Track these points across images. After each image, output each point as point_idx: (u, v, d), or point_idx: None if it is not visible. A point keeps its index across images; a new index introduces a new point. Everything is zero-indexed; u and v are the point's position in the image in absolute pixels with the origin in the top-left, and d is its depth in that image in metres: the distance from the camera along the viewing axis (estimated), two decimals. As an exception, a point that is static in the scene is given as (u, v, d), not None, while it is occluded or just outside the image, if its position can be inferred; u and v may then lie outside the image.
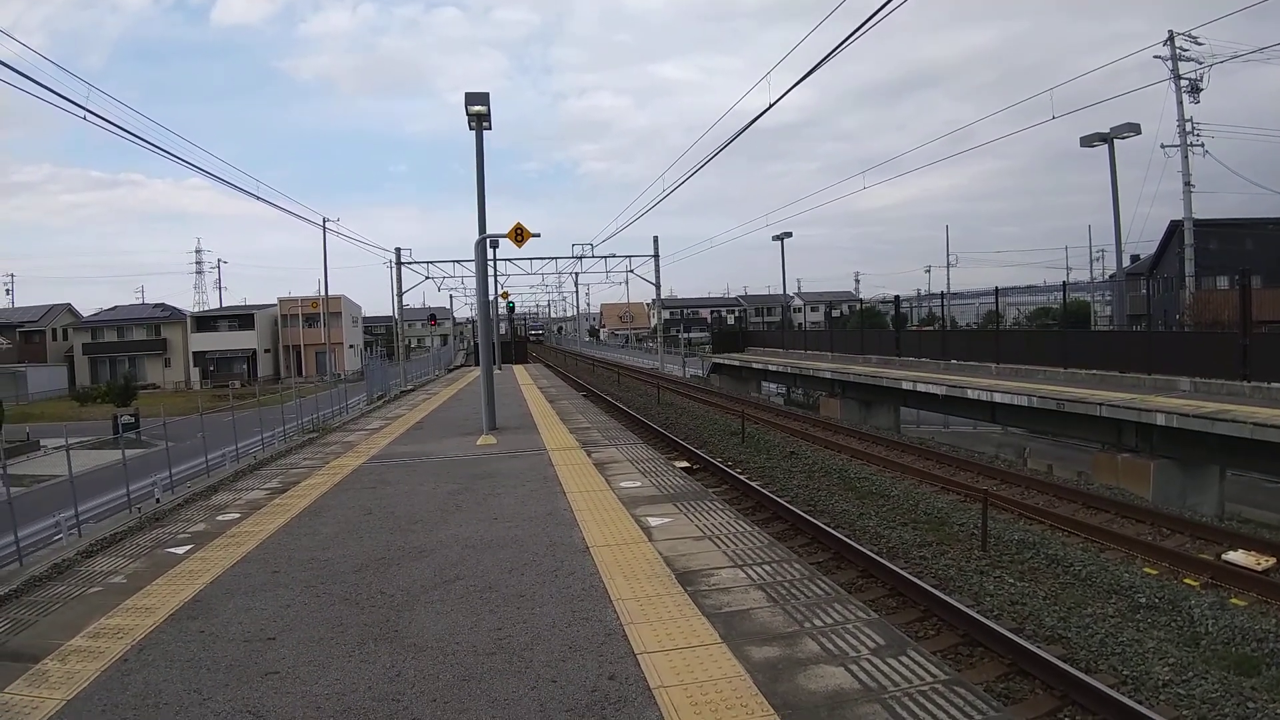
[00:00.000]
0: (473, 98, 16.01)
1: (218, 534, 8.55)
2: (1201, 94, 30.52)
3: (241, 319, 72.48)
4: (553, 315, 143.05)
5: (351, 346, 74.54)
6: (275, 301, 74.46)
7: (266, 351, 71.91)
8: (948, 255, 75.42)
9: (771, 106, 15.85)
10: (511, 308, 62.10)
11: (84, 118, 12.62)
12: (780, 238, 48.51)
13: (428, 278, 48.12)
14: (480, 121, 16.24)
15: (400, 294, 46.80)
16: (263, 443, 18.23)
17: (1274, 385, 15.41)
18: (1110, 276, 38.31)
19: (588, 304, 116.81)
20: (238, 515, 9.43)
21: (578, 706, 4.29)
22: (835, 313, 59.38)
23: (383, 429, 17.72)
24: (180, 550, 7.96)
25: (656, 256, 47.58)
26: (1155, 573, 10.10)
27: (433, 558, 7.19)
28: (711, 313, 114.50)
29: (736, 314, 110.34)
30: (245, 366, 69.08)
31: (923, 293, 70.38)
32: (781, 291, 64.68)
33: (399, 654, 5.06)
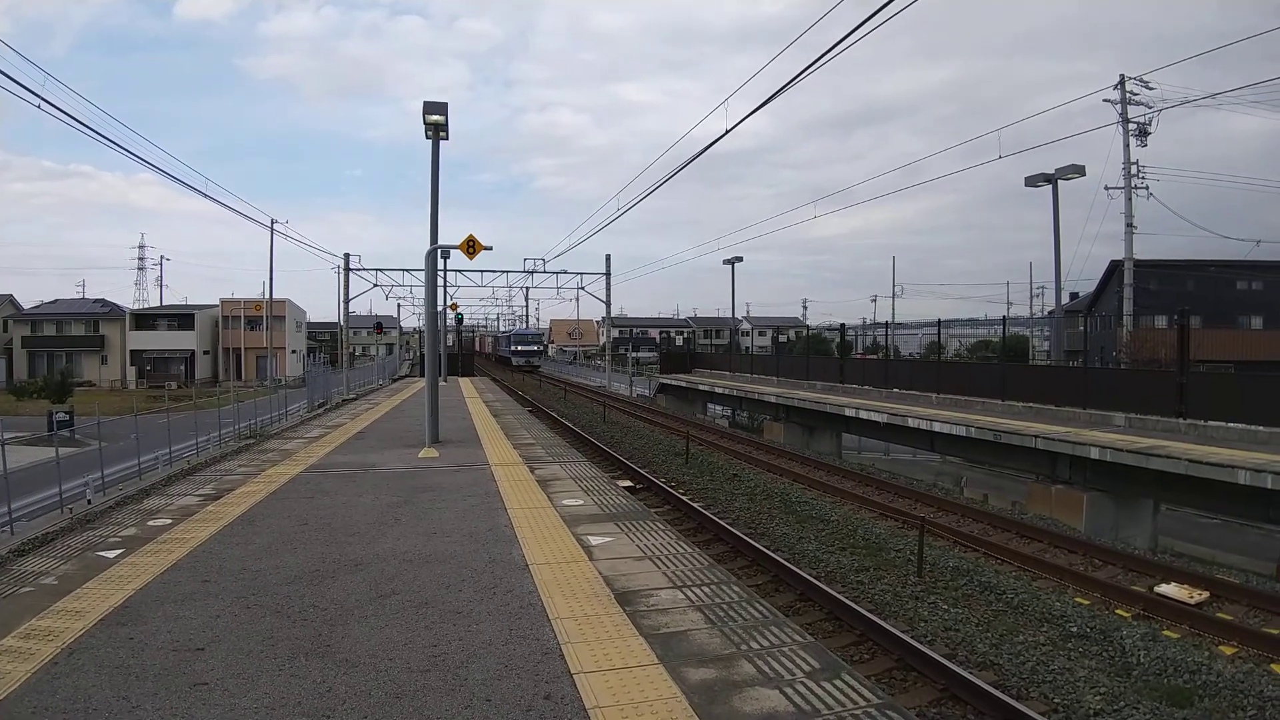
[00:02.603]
0: (431, 107, 15.92)
1: (149, 539, 8.32)
2: (1150, 138, 31.57)
3: (181, 318, 70.87)
4: (501, 329, 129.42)
5: (294, 352, 73.34)
6: (217, 302, 72.90)
7: (206, 353, 70.38)
8: (894, 286, 76.96)
9: (728, 132, 16.10)
10: (460, 319, 61.77)
11: (38, 106, 12.42)
12: (731, 261, 48.82)
13: (376, 285, 47.65)
14: (437, 131, 16.14)
15: (347, 300, 46.10)
16: (197, 447, 17.79)
17: (1211, 423, 15.93)
18: (1049, 312, 39.28)
19: (537, 319, 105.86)
20: (169, 521, 9.18)
21: (512, 726, 4.24)
22: (782, 338, 60.02)
23: (322, 438, 17.42)
24: (111, 554, 7.74)
25: (608, 275, 47.63)
26: (1087, 603, 10.33)
27: (368, 571, 7.07)
28: (660, 333, 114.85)
29: (685, 335, 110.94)
30: (183, 367, 67.53)
31: (868, 322, 71.37)
32: (730, 315, 65.07)
33: (330, 669, 4.96)
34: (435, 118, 15.93)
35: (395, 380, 51.27)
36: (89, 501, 11.57)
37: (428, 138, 16.24)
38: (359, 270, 45.59)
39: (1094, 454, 14.88)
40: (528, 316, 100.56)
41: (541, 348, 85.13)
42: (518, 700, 4.54)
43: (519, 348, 78.31)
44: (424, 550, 7.81)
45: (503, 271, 49.54)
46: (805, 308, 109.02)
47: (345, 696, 4.58)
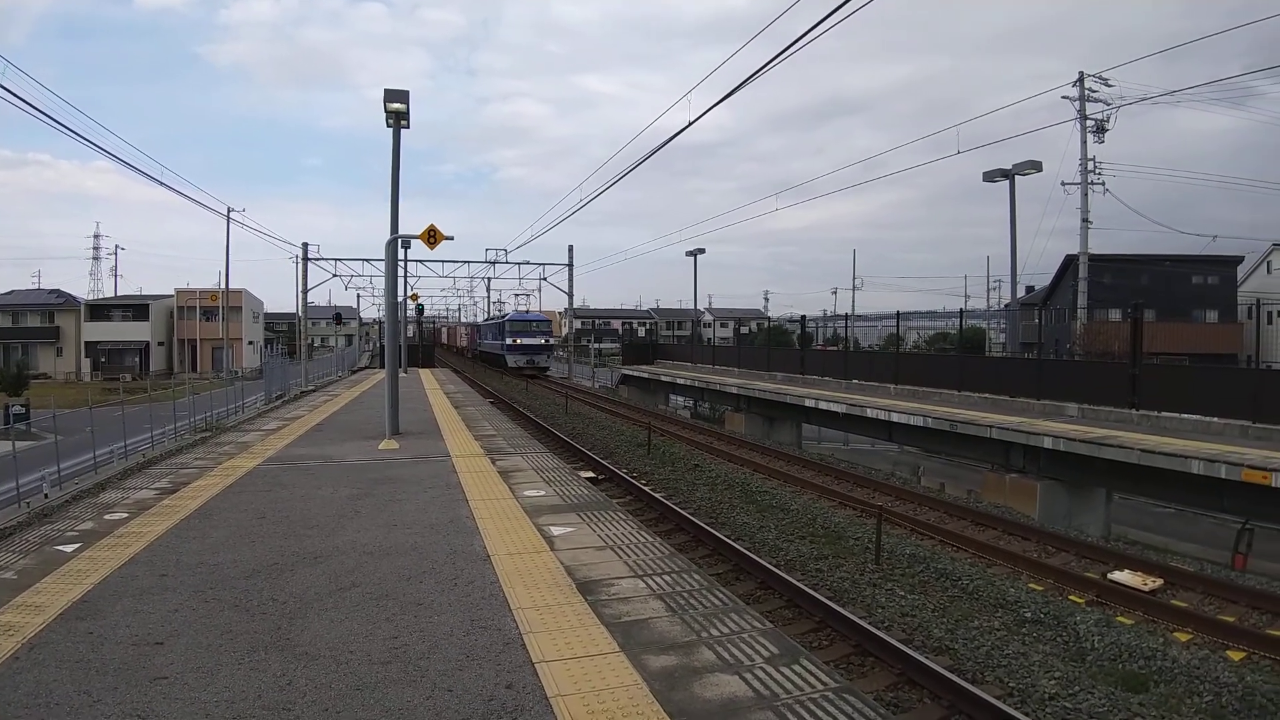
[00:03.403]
0: (392, 95, 15.74)
1: (106, 533, 8.20)
2: (1108, 134, 32.10)
3: (136, 309, 69.46)
4: (463, 320, 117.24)
5: (250, 343, 72.17)
6: (172, 292, 71.54)
7: (160, 344, 69.07)
8: (854, 278, 77.28)
9: (690, 124, 16.09)
10: (421, 310, 61.18)
11: (-1, 96, 12.21)
12: (694, 253, 48.91)
13: (335, 275, 47.41)
14: (399, 120, 15.97)
15: (305, 290, 45.64)
16: (153, 440, 17.50)
17: (1164, 415, 16.31)
18: (1006, 306, 39.92)
19: (499, 309, 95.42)
20: (126, 515, 9.04)
21: (474, 716, 4.25)
22: (744, 330, 60.47)
23: (280, 430, 17.21)
24: (69, 549, 7.62)
25: (571, 266, 47.64)
26: (1041, 589, 10.54)
27: (328, 564, 7.02)
28: (623, 324, 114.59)
29: (648, 327, 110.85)
30: (138, 359, 66.20)
31: (828, 313, 71.97)
32: (693, 306, 65.27)
33: (290, 662, 4.93)
34: (396, 105, 15.76)
35: (355, 372, 50.69)
36: (46, 496, 11.38)
37: (389, 126, 16.06)
38: (318, 260, 45.16)
39: (1047, 444, 15.17)
40: (489, 308, 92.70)
41: (550, 340, 56.46)
42: (479, 690, 4.55)
43: (519, 340, 52.19)
44: (384, 542, 7.78)
45: (464, 262, 49.31)
46: (767, 299, 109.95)
47: (306, 689, 4.56)
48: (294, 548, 7.58)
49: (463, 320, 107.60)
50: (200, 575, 6.72)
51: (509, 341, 52.45)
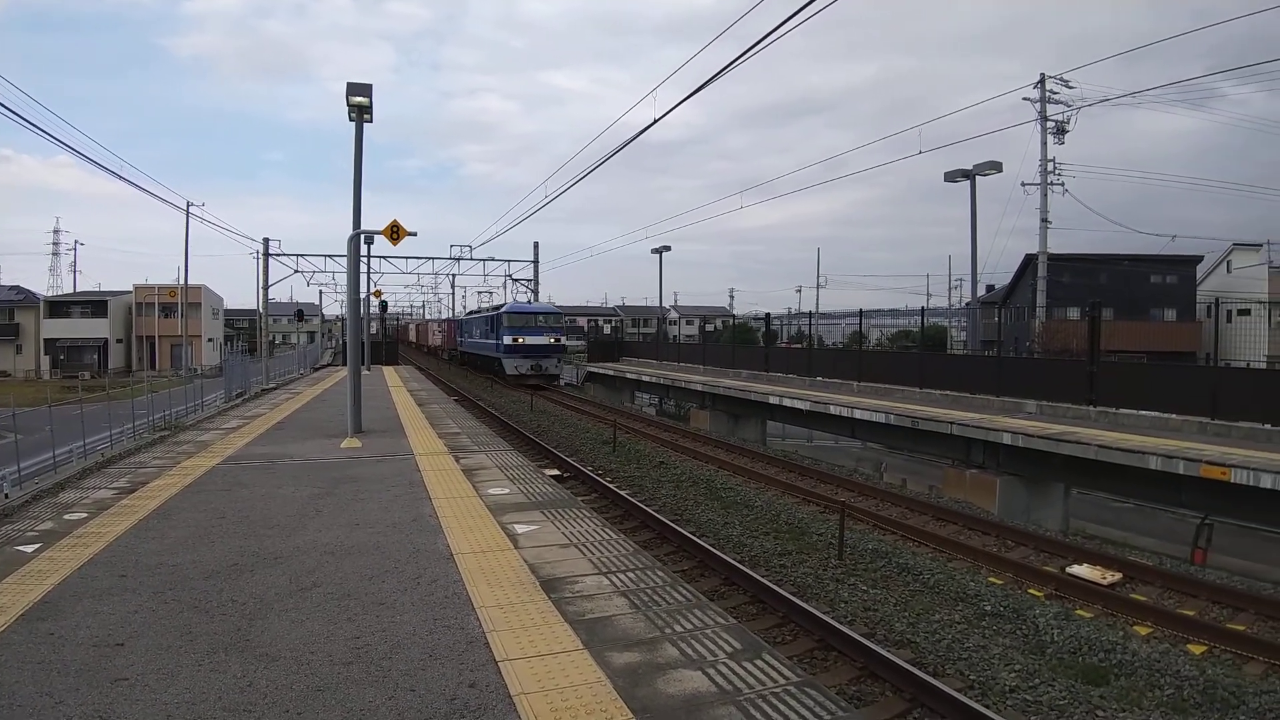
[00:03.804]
0: (354, 88, 15.55)
1: (66, 533, 8.06)
2: (1068, 135, 32.67)
3: (94, 306, 68.26)
4: (427, 316, 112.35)
5: (210, 340, 71.26)
6: (131, 289, 70.30)
7: (119, 341, 67.89)
8: (818, 276, 77.95)
9: (656, 122, 16.14)
10: (384, 306, 60.41)
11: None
12: (659, 251, 49.01)
13: (297, 271, 46.59)
14: (361, 113, 15.79)
15: (266, 286, 44.96)
16: (111, 439, 17.22)
17: (1122, 411, 16.63)
18: (967, 304, 40.46)
19: (464, 307, 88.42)
20: (85, 515, 8.89)
21: (436, 715, 4.24)
22: (709, 327, 60.66)
23: (240, 428, 16.99)
24: (29, 549, 7.49)
25: (536, 262, 47.36)
26: (1000, 582, 10.70)
27: (288, 564, 6.95)
28: (589, 321, 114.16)
29: (613, 324, 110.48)
30: (96, 356, 65.03)
31: (793, 311, 72.53)
32: (658, 304, 65.41)
33: (250, 663, 4.89)
34: (359, 99, 15.60)
35: (317, 369, 50.16)
36: (6, 496, 11.16)
37: (351, 119, 15.88)
38: (279, 255, 44.51)
39: (1006, 439, 15.40)
40: (454, 305, 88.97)
41: (563, 339, 43.91)
42: (442, 689, 4.54)
43: (521, 339, 40.79)
44: (346, 542, 7.71)
45: (429, 258, 48.88)
46: (732, 297, 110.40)
47: (266, 690, 4.53)
48: (254, 548, 7.50)
49: (436, 316, 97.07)
50: (160, 576, 6.63)
51: (507, 341, 40.35)
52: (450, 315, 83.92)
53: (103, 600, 6.03)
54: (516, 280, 49.82)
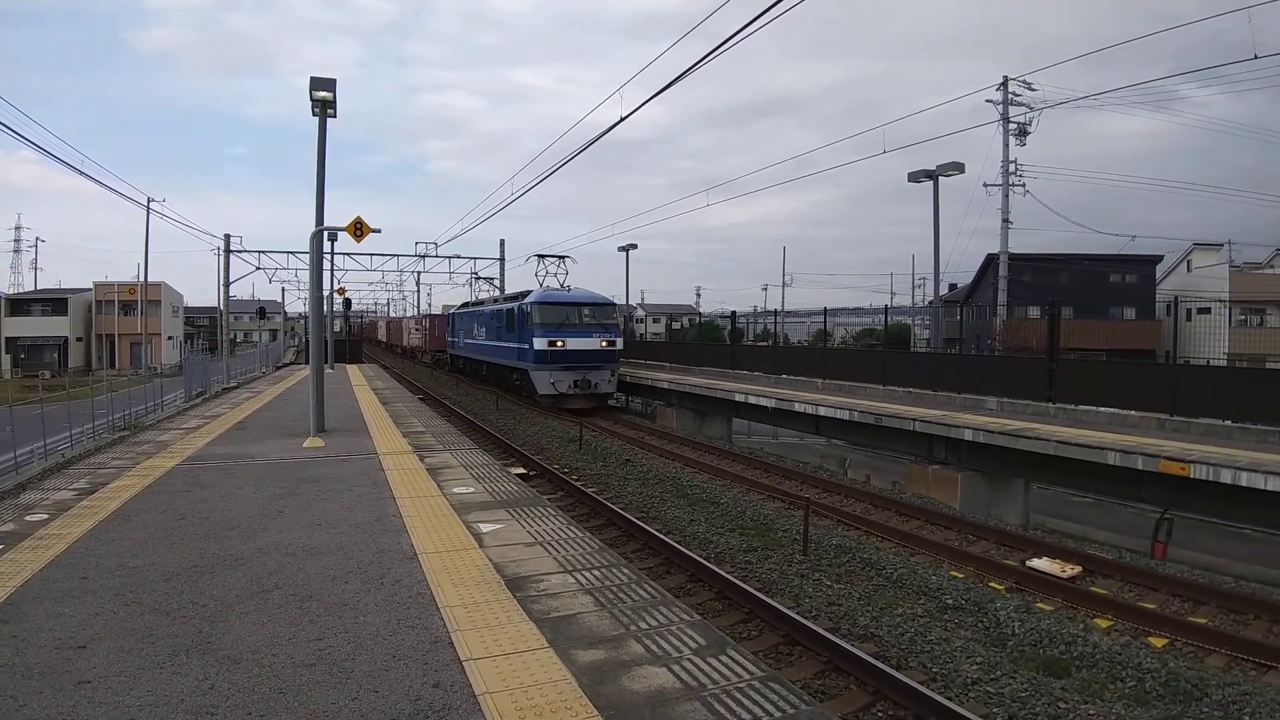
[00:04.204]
0: (318, 83, 15.36)
1: (26, 535, 7.93)
2: (1030, 137, 33.19)
3: (55, 303, 66.92)
4: (392, 314, 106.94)
5: (170, 338, 70.07)
6: (91, 286, 69.01)
7: (79, 340, 66.58)
8: (784, 275, 78.41)
9: (622, 120, 16.15)
10: (348, 304, 59.84)
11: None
12: (625, 249, 49.03)
13: (259, 268, 45.88)
14: (325, 108, 15.61)
15: (227, 283, 44.32)
16: (72, 440, 16.95)
17: (1081, 408, 16.92)
18: (930, 303, 40.95)
19: (429, 305, 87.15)
20: (46, 516, 8.74)
21: (400, 716, 4.23)
22: (676, 325, 60.68)
23: (201, 428, 16.76)
24: (-9, 550, 7.38)
25: (502, 260, 47.13)
26: (962, 576, 10.84)
27: (250, 566, 6.89)
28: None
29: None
30: (57, 355, 63.79)
31: (759, 309, 72.82)
32: (625, 301, 65.41)
33: (212, 666, 4.84)
34: (322, 94, 15.42)
35: (279, 368, 49.57)
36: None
37: (314, 114, 15.69)
38: (240, 252, 43.89)
39: (967, 436, 15.61)
40: (419, 302, 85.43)
41: (618, 344, 30.48)
42: (406, 690, 4.53)
43: (561, 343, 28.63)
44: (308, 543, 7.65)
45: (393, 255, 48.83)
46: (699, 295, 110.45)
47: (228, 693, 4.49)
48: (215, 549, 7.42)
49: (414, 310, 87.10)
50: (120, 578, 6.55)
51: (539, 344, 28.10)
52: (425, 309, 76.76)
53: (64, 602, 5.95)
54: (481, 278, 49.15)
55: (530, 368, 28.84)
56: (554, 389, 28.11)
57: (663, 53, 18.47)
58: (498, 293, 43.57)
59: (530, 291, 30.85)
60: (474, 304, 43.44)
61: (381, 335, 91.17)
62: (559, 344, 28.27)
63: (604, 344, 28.96)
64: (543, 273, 32.79)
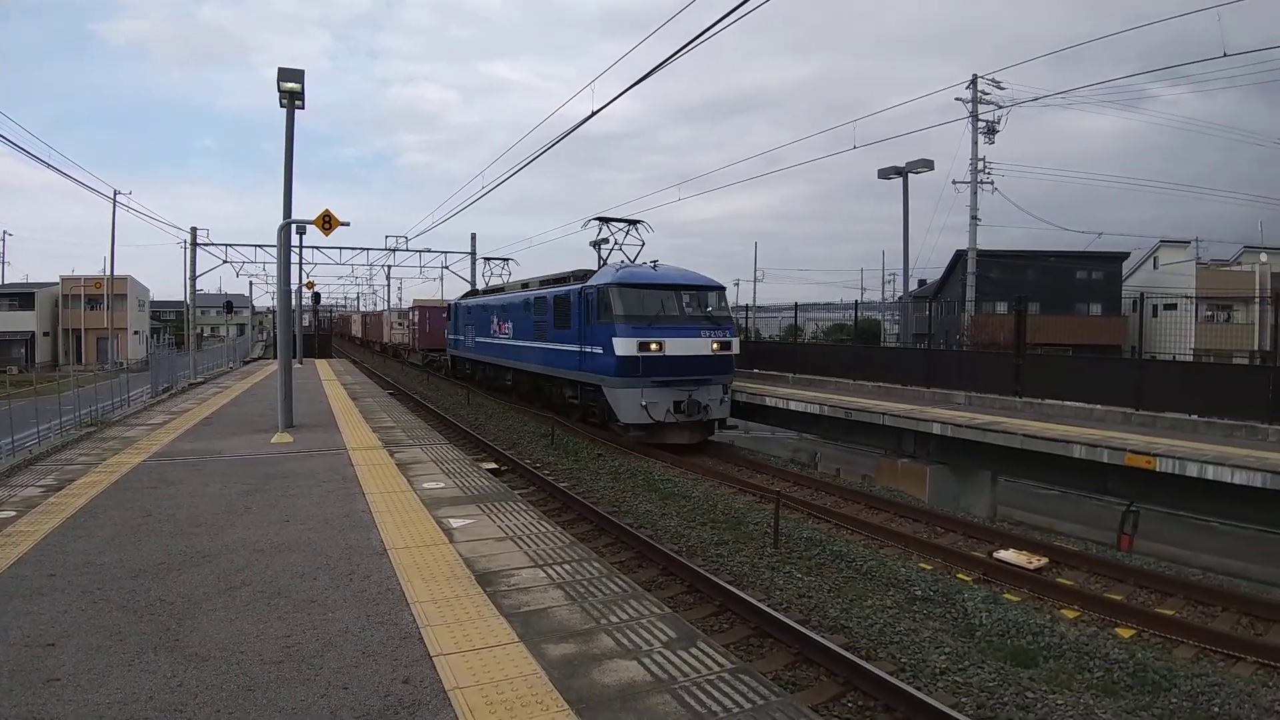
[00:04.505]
0: (286, 74, 15.18)
1: (-4, 531, 7.84)
2: (999, 135, 33.42)
3: (22, 298, 65.80)
4: (361, 308, 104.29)
5: (136, 333, 68.99)
6: (58, 280, 67.87)
7: (46, 335, 65.51)
8: (755, 270, 78.57)
9: (594, 114, 16.13)
10: (317, 298, 59.16)
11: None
12: (597, 244, 48.87)
13: (226, 261, 45.37)
14: (293, 99, 15.42)
15: (194, 277, 43.84)
16: (39, 436, 16.72)
17: (1047, 402, 17.15)
18: (899, 298, 41.29)
19: (400, 299, 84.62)
20: (14, 513, 8.62)
21: (370, 713, 4.23)
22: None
23: (167, 424, 16.56)
24: (-38, 548, 7.28)
25: (474, 253, 46.91)
26: (930, 568, 10.95)
27: (217, 563, 6.83)
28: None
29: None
30: (24, 350, 62.74)
31: (731, 305, 72.74)
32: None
33: (180, 663, 4.81)
34: (290, 85, 15.24)
35: (247, 362, 49.01)
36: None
37: (282, 105, 15.50)
38: (207, 245, 43.40)
39: (936, 429, 15.77)
40: (389, 296, 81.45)
41: (733, 344, 20.83)
42: (375, 686, 4.52)
43: (659, 344, 19.03)
44: (276, 539, 7.60)
45: (363, 249, 48.09)
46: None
47: (197, 690, 4.47)
48: (181, 546, 7.35)
49: (385, 305, 78.80)
50: (88, 575, 6.49)
51: (621, 348, 19.20)
52: (396, 303, 68.78)
53: (33, 600, 5.89)
54: (448, 270, 48.61)
55: (609, 382, 19.73)
56: (648, 413, 19.20)
57: (634, 47, 18.69)
58: (508, 278, 36.08)
59: (594, 271, 22.21)
60: (489, 290, 34.50)
61: (356, 331, 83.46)
62: (657, 347, 19.10)
63: (716, 346, 20.17)
64: (611, 243, 24.57)
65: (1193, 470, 11.66)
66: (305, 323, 49.64)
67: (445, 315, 41.68)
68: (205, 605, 5.80)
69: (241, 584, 6.28)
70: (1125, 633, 8.89)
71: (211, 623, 5.47)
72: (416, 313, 51.71)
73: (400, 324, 58.05)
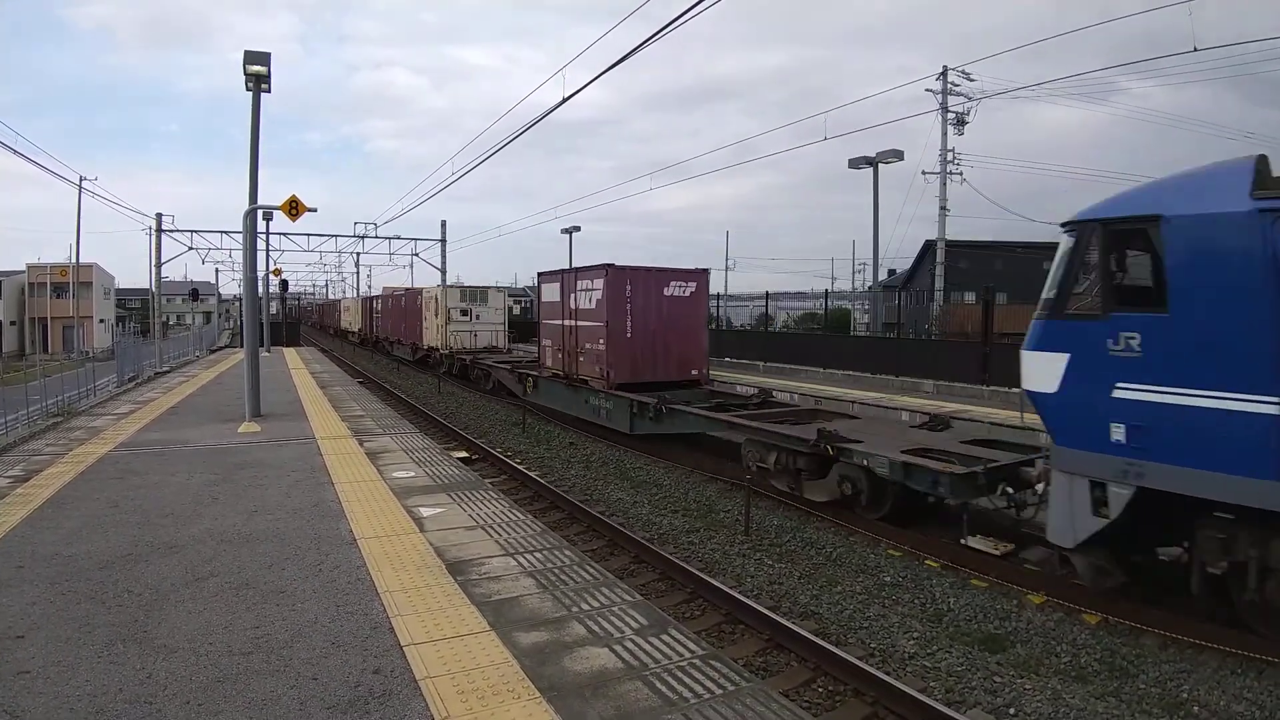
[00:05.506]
0: (252, 57, 14.99)
1: (-40, 524, 7.73)
2: (969, 126, 33.66)
3: (-11, 286, 64.51)
4: (330, 296, 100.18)
5: (102, 321, 67.95)
6: (24, 268, 66.56)
7: (13, 324, 64.28)
8: (727, 259, 79.01)
9: (565, 101, 16.03)
10: (284, 285, 58.29)
11: None
12: (569, 231, 48.87)
13: (191, 248, 44.62)
14: (259, 83, 15.22)
15: (159, 264, 43.07)
16: (5, 426, 16.45)
17: (1013, 390, 17.36)
18: (869, 288, 41.60)
19: (369, 286, 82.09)
20: (-19, 504, 8.53)
21: (340, 703, 4.24)
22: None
23: (133, 414, 16.36)
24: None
25: (444, 241, 46.60)
26: (899, 554, 11.05)
27: (185, 554, 6.79)
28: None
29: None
30: (-8, 340, 61.62)
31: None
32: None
33: (149, 655, 4.79)
34: (256, 68, 15.04)
35: (214, 351, 48.46)
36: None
37: (248, 89, 15.29)
38: (173, 232, 42.64)
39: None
40: (358, 284, 79.73)
41: None
42: (345, 677, 4.53)
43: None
44: (244, 529, 7.56)
45: (331, 235, 47.68)
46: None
47: (166, 682, 4.45)
48: (149, 537, 7.30)
49: (354, 293, 71.78)
50: (55, 567, 6.43)
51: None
52: (365, 291, 63.71)
53: (2, 592, 5.86)
54: (418, 257, 48.10)
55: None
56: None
57: (605, 34, 18.49)
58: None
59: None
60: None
61: (338, 321, 73.29)
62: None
63: None
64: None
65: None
66: (273, 310, 49.05)
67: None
68: (173, 596, 5.77)
69: (209, 575, 6.24)
70: (1092, 619, 8.98)
71: (180, 614, 5.44)
72: (418, 300, 39.49)
73: (393, 312, 46.46)
